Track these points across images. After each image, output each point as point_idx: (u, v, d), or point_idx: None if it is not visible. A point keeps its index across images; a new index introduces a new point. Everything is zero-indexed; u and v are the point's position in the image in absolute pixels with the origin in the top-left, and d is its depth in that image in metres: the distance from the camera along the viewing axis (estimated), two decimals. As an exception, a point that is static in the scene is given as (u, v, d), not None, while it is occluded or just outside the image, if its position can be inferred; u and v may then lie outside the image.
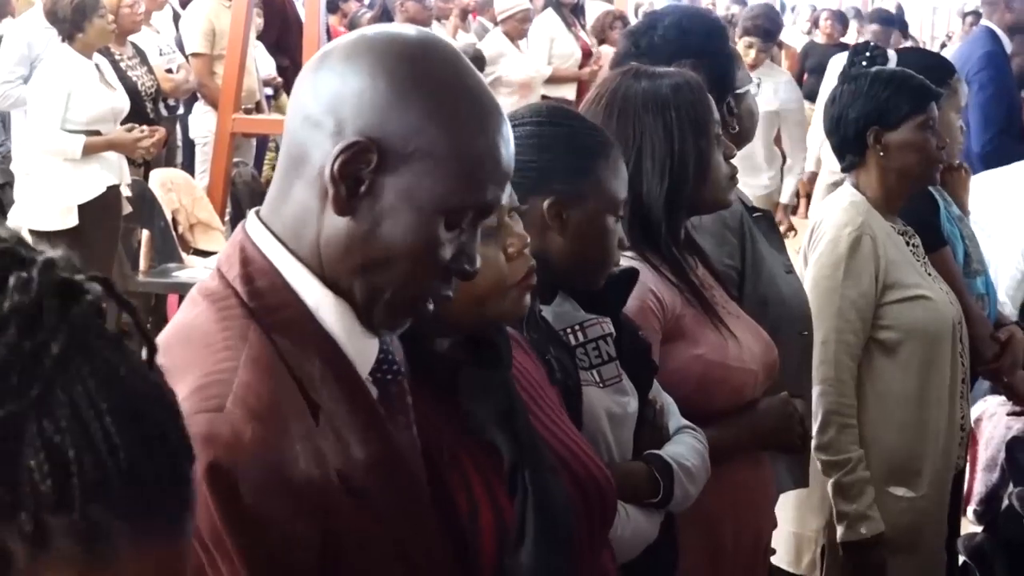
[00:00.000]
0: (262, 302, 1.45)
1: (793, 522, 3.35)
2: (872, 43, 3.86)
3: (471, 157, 1.44)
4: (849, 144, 3.43)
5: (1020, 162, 5.04)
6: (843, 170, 3.49)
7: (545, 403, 1.79)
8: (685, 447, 2.34)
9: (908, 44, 11.78)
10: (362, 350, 1.49)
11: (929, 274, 3.44)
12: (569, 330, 2.25)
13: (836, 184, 5.06)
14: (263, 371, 1.40)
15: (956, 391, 3.41)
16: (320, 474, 1.39)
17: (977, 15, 11.64)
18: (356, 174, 1.42)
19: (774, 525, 2.83)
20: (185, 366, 1.37)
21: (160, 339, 1.38)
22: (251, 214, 1.51)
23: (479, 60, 9.29)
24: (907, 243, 3.44)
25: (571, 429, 1.81)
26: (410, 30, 1.50)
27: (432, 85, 1.44)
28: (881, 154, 3.38)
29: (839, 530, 3.27)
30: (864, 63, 3.61)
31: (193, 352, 1.41)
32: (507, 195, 1.63)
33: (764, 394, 2.67)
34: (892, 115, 3.36)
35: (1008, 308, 4.44)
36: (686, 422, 2.40)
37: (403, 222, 1.43)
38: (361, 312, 1.47)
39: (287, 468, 1.36)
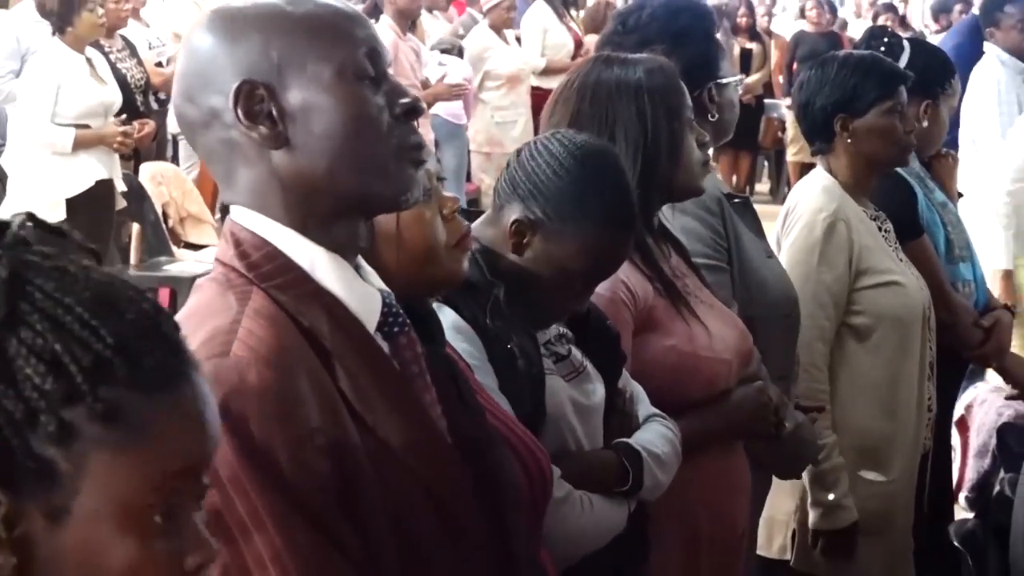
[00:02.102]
0: (260, 271, 1.52)
1: (765, 506, 3.32)
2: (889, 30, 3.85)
3: (314, 28, 1.53)
4: (818, 131, 3.44)
5: None
6: (812, 154, 3.50)
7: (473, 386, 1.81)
8: (654, 434, 2.34)
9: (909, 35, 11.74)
10: (365, 305, 1.55)
11: (901, 259, 3.45)
12: None
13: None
14: (266, 320, 1.47)
15: (924, 374, 3.42)
16: (334, 421, 1.44)
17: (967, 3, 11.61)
18: (261, 110, 1.51)
19: (751, 513, 2.83)
20: (192, 331, 1.42)
21: None
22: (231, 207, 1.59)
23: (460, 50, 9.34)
24: (879, 228, 3.44)
25: (505, 410, 1.82)
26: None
27: (244, 16, 1.54)
28: (849, 141, 3.38)
29: (812, 516, 3.27)
30: (882, 49, 3.61)
31: (199, 320, 1.49)
32: (433, 161, 1.72)
33: (747, 378, 2.67)
34: (859, 101, 3.36)
35: None
36: (655, 410, 2.40)
37: (325, 107, 1.51)
38: (376, 202, 1.56)
39: (294, 405, 1.42)
